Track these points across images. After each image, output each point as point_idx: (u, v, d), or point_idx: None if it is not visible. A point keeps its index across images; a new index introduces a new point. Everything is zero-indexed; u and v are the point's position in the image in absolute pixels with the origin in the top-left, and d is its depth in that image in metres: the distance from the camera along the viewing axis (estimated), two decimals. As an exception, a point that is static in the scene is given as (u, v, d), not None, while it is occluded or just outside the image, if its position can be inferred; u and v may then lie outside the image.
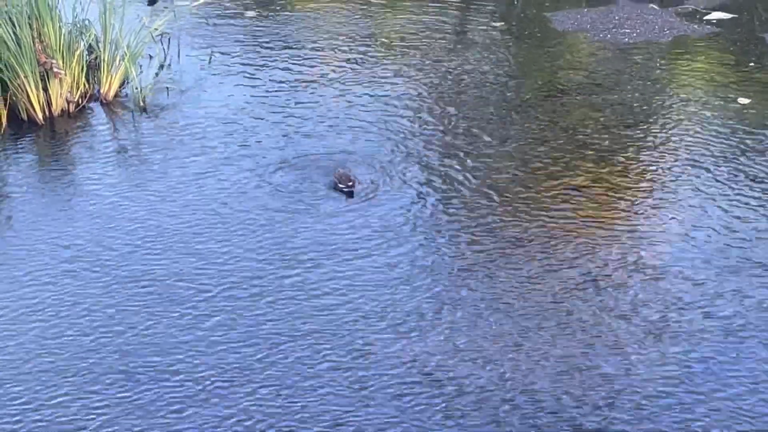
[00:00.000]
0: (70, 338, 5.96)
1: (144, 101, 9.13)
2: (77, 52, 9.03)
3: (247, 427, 5.25)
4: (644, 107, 8.81)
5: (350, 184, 7.47)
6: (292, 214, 7.23)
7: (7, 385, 5.58)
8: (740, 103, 8.81)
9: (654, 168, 7.76)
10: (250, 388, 5.51)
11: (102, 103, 9.25)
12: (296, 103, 9.09)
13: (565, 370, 5.57)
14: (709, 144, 8.09)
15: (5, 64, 8.63)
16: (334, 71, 9.81)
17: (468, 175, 7.71)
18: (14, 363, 5.77)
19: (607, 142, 8.15)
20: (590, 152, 7.99)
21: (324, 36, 10.71)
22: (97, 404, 5.43)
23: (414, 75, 9.65)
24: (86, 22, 9.49)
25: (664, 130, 8.37)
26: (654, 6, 11.47)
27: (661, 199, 7.32)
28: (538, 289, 6.27)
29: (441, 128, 8.52)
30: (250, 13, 11.48)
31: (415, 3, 11.78)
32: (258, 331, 5.96)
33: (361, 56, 10.17)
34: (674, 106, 8.83)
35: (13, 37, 8.62)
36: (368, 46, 10.45)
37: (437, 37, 10.67)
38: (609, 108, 8.80)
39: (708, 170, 7.67)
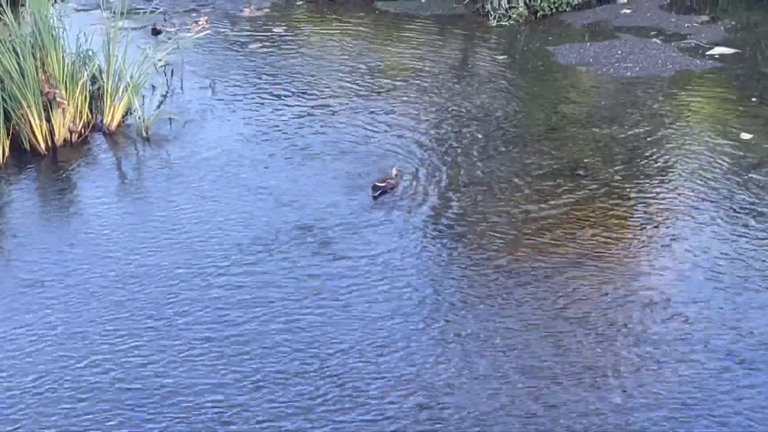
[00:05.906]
0: (65, 365, 5.96)
1: (147, 131, 9.16)
2: (80, 82, 9.07)
3: None
4: (646, 141, 8.80)
5: (381, 185, 7.89)
6: (301, 240, 7.25)
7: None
8: (742, 139, 8.80)
9: (656, 201, 7.74)
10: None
11: (105, 133, 9.28)
12: (299, 134, 9.10)
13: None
14: (711, 179, 8.07)
15: (9, 94, 8.67)
16: (336, 103, 9.83)
17: (469, 205, 7.70)
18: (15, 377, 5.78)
19: (609, 176, 8.14)
20: (592, 185, 7.98)
21: (327, 68, 10.75)
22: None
23: (417, 108, 9.67)
24: (90, 52, 9.54)
25: (666, 164, 8.35)
26: (657, 41, 11.50)
27: (663, 232, 7.30)
28: (543, 320, 6.27)
29: (443, 160, 8.51)
30: (254, 45, 11.53)
31: (419, 36, 11.82)
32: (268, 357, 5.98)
33: (365, 89, 10.20)
34: (676, 140, 8.83)
35: (17, 67, 8.66)
36: (372, 78, 10.47)
37: (441, 71, 10.69)
38: (611, 141, 8.80)
39: (710, 204, 7.65)
